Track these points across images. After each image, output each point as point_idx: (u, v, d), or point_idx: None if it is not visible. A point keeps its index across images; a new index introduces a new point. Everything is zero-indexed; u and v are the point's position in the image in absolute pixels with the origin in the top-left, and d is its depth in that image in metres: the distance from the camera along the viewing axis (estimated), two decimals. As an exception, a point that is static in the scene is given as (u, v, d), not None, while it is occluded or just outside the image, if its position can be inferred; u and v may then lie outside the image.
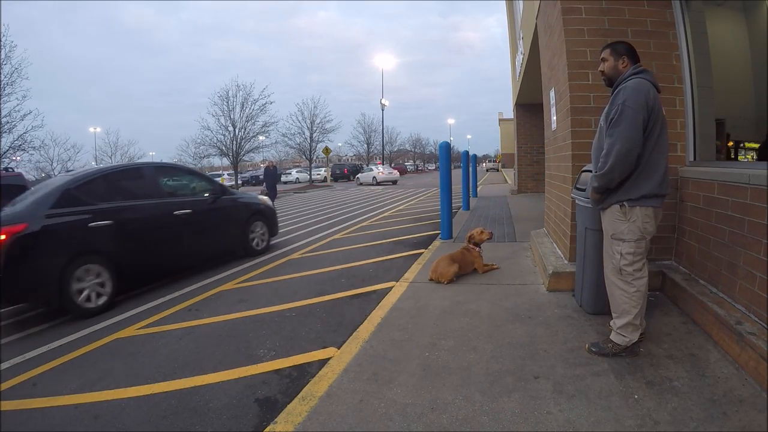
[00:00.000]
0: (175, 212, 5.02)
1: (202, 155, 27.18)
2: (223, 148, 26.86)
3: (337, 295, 4.03)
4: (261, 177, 24.51)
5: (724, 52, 3.26)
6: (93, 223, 4.20)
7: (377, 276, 4.59)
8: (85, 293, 4.01)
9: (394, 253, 5.69)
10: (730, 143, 3.39)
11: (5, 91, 13.80)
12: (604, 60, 2.34)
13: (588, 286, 2.86)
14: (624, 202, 2.20)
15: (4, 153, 14.42)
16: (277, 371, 2.61)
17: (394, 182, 27.12)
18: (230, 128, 26.96)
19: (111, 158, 46.22)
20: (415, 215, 9.82)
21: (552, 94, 4.19)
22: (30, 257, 3.77)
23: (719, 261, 2.50)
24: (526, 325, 2.80)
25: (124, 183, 4.88)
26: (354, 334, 2.91)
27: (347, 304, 3.78)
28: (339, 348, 2.75)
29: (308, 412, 2.00)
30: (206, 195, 5.66)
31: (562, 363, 2.27)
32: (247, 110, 27.05)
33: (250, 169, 49.50)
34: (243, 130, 27.15)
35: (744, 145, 3.34)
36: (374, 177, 27.27)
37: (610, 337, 2.34)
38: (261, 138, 28.71)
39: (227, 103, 26.83)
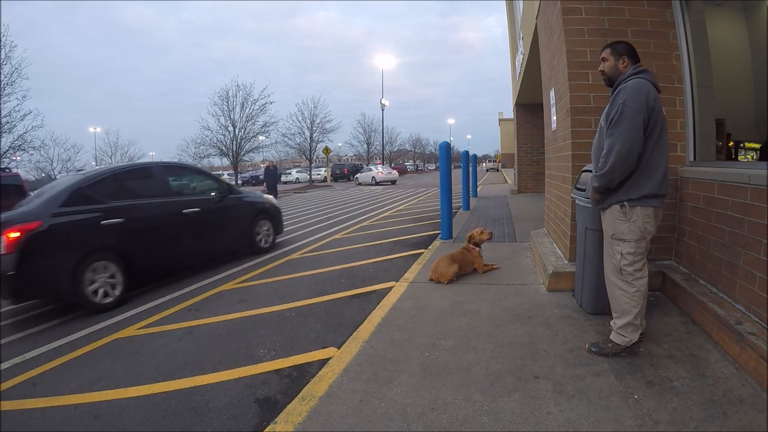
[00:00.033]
0: (184, 211, 5.12)
1: (202, 155, 27.20)
2: (223, 148, 26.87)
3: (337, 295, 4.03)
4: (261, 177, 24.52)
5: (724, 52, 3.26)
6: (105, 221, 4.30)
7: (377, 276, 4.59)
8: (97, 289, 4.11)
9: (394, 253, 5.69)
10: (731, 143, 3.39)
11: (5, 91, 13.81)
12: (604, 60, 2.34)
13: (588, 286, 2.86)
14: (624, 202, 2.20)
15: (4, 153, 14.42)
16: (277, 371, 2.61)
17: (393, 182, 27.09)
18: (230, 128, 26.98)
19: (111, 158, 46.25)
20: (415, 215, 9.82)
21: (552, 94, 4.19)
22: (44, 254, 3.88)
23: (719, 261, 2.50)
24: (526, 325, 2.80)
25: (134, 182, 4.96)
26: (354, 334, 2.91)
27: (347, 304, 3.78)
28: (339, 348, 2.75)
29: (308, 412, 2.00)
30: (213, 194, 5.74)
31: (562, 363, 2.27)
32: (247, 110, 27.08)
33: (250, 169, 49.51)
34: (243, 130, 27.17)
35: (744, 145, 3.34)
36: (373, 177, 27.23)
37: (610, 337, 2.34)
38: (261, 138, 28.73)
39: (227, 103, 26.86)
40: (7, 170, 8.83)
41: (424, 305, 3.33)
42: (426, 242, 6.20)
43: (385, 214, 10.65)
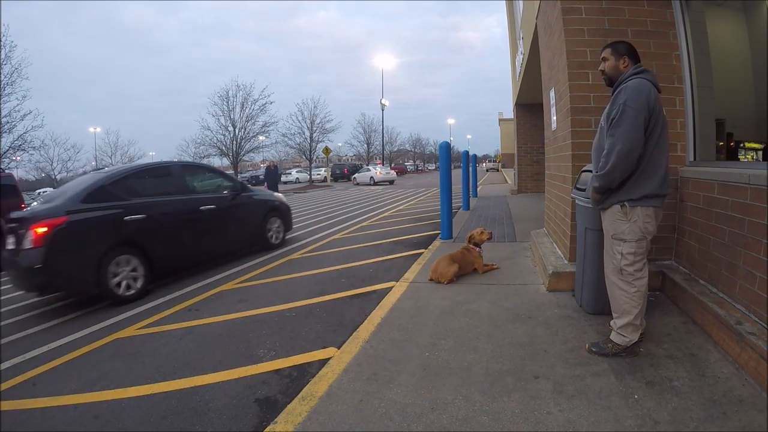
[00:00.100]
0: (200, 208, 5.35)
1: (202, 155, 27.19)
2: (223, 148, 26.90)
3: (337, 295, 4.03)
4: (261, 177, 24.53)
5: (724, 52, 3.26)
6: (128, 217, 4.49)
7: (377, 276, 4.59)
8: (120, 282, 4.31)
9: (394, 253, 5.69)
10: (731, 143, 3.39)
11: (5, 91, 13.81)
12: (604, 59, 2.34)
13: (588, 286, 2.86)
14: (625, 202, 2.20)
15: (4, 153, 14.41)
16: (277, 371, 2.61)
17: (391, 182, 27.03)
18: (230, 128, 27.02)
19: (111, 158, 46.24)
20: (415, 215, 9.82)
21: (552, 94, 4.19)
22: (70, 248, 4.06)
23: (719, 261, 2.50)
24: (526, 325, 2.80)
25: (154, 180, 5.18)
26: (354, 334, 2.91)
27: (347, 304, 3.78)
28: (339, 348, 2.75)
29: (308, 412, 2.00)
30: (227, 192, 5.95)
31: (562, 363, 2.27)
32: (247, 110, 27.13)
33: (250, 169, 49.53)
34: (243, 130, 27.21)
35: (744, 145, 3.34)
36: (372, 177, 27.18)
37: (610, 337, 2.34)
38: (261, 138, 28.76)
39: (227, 103, 26.90)
40: (1, 170, 8.86)
41: (424, 305, 3.33)
42: (426, 242, 6.20)
43: (385, 214, 10.65)
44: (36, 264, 3.88)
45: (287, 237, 7.19)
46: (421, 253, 5.29)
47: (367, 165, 33.96)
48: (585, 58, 3.31)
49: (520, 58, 9.20)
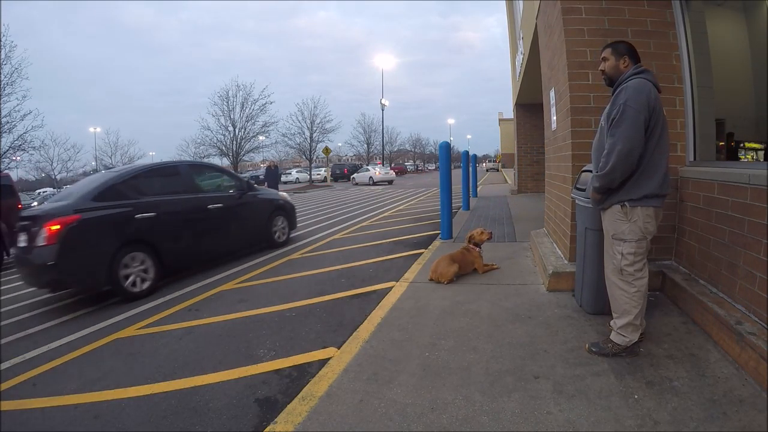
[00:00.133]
0: (208, 206, 5.46)
1: (202, 155, 27.21)
2: (223, 148, 26.92)
3: (337, 295, 4.03)
4: (261, 177, 24.55)
5: (724, 52, 3.26)
6: (139, 215, 4.59)
7: (377, 276, 4.59)
8: (131, 278, 4.41)
9: (394, 253, 5.69)
10: (732, 143, 3.39)
11: (5, 91, 13.80)
12: (605, 59, 2.34)
13: (588, 286, 2.86)
14: (625, 203, 2.20)
15: (4, 153, 14.41)
16: (277, 371, 2.61)
17: (390, 182, 27.04)
18: (230, 128, 27.04)
19: (111, 158, 46.22)
20: (415, 215, 9.82)
21: (552, 94, 4.19)
22: (83, 245, 4.15)
23: (719, 261, 2.50)
24: (526, 325, 2.80)
25: (164, 179, 5.28)
26: (354, 334, 2.91)
27: (347, 304, 3.78)
28: (339, 348, 2.75)
29: (308, 412, 2.00)
30: (234, 191, 6.05)
31: (562, 363, 2.27)
32: (247, 110, 27.15)
33: (250, 169, 49.53)
34: (243, 130, 27.23)
35: (744, 145, 3.34)
36: (371, 177, 27.18)
37: (610, 337, 2.34)
38: (261, 138, 28.77)
39: (227, 103, 26.92)
40: None
41: (424, 305, 3.33)
42: (426, 242, 6.20)
43: (385, 214, 10.65)
44: (49, 261, 3.97)
45: (291, 236, 7.27)
46: (421, 253, 5.29)
47: (367, 165, 33.96)
48: (585, 58, 3.31)
49: (520, 58, 9.20)
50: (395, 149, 56.69)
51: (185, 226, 5.11)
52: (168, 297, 4.40)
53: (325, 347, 2.87)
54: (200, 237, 5.29)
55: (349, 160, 60.48)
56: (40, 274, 4.12)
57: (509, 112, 22.88)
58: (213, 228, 5.46)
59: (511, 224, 6.96)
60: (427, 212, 10.17)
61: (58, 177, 41.12)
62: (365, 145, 48.87)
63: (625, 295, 2.25)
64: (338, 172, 36.36)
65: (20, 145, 14.99)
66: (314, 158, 35.15)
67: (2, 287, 5.52)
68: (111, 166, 43.42)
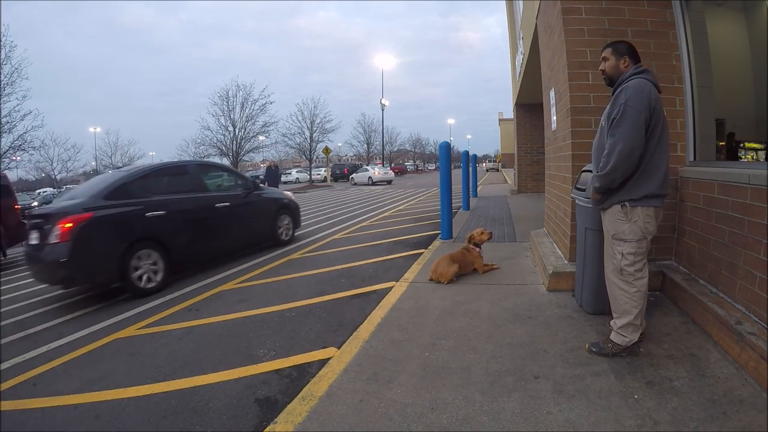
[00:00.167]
0: (216, 205, 5.58)
1: (202, 155, 27.22)
2: (223, 148, 26.91)
3: (337, 295, 4.02)
4: (261, 177, 24.56)
5: (724, 52, 3.26)
6: (149, 213, 4.69)
7: (377, 276, 4.59)
8: (141, 275, 4.50)
9: (394, 253, 5.69)
10: (732, 143, 3.39)
11: (5, 91, 13.80)
12: (605, 59, 2.34)
13: (588, 286, 2.86)
14: (625, 202, 2.19)
15: (4, 153, 14.40)
16: (277, 371, 2.61)
17: (389, 182, 27.03)
18: (230, 128, 27.04)
19: (111, 158, 46.22)
20: (415, 215, 9.82)
21: (552, 94, 4.19)
22: (95, 242, 4.25)
23: (719, 261, 2.50)
24: (526, 325, 2.80)
25: (173, 178, 5.40)
26: (354, 334, 2.91)
27: (347, 304, 3.78)
28: (339, 348, 2.75)
29: (308, 412, 2.00)
30: (240, 190, 6.16)
31: (562, 363, 2.27)
32: (247, 110, 27.15)
33: (250, 169, 49.54)
34: (243, 130, 27.22)
35: (744, 145, 3.34)
36: (370, 177, 27.16)
37: (610, 337, 2.34)
38: (261, 138, 28.77)
39: (227, 103, 26.92)
40: None
41: (424, 305, 3.33)
42: (426, 242, 6.20)
43: (385, 214, 10.65)
44: (62, 258, 4.05)
45: (296, 234, 7.37)
46: (421, 253, 5.29)
47: (367, 165, 33.96)
48: (585, 58, 3.31)
49: (520, 58, 9.20)
50: (395, 149, 56.71)
51: (194, 224, 5.23)
52: (168, 297, 4.40)
53: (325, 347, 2.87)
54: (208, 235, 5.40)
55: (349, 160, 60.48)
56: (53, 271, 4.20)
57: (509, 112, 22.89)
58: (220, 226, 5.56)
59: (511, 224, 6.96)
60: (427, 212, 10.17)
61: (58, 177, 41.13)
62: (365, 145, 48.89)
63: (625, 295, 2.25)
64: (338, 172, 36.36)
65: (20, 145, 14.99)
66: (314, 158, 35.16)
67: (2, 287, 5.52)
68: (119, 165, 43.61)
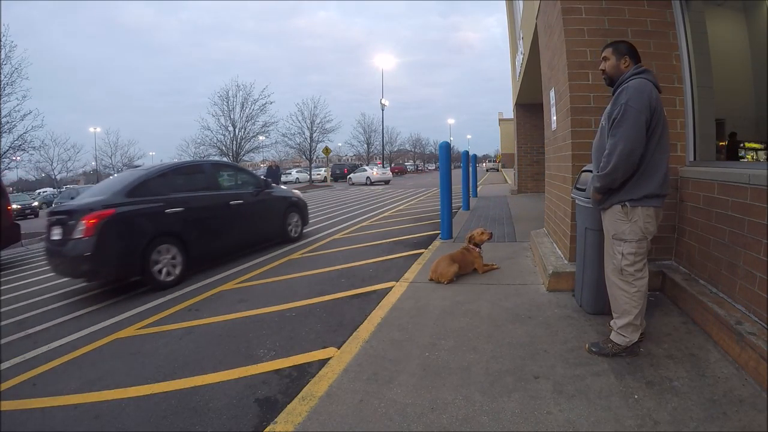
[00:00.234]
0: (230, 202, 5.81)
1: (202, 155, 27.23)
2: (223, 148, 26.93)
3: (337, 295, 4.02)
4: (263, 177, 24.60)
5: (724, 52, 3.26)
6: (168, 210, 4.91)
7: (377, 276, 4.59)
8: (161, 269, 4.71)
9: (394, 253, 5.69)
10: (733, 143, 3.39)
11: (5, 91, 13.77)
12: (605, 59, 2.34)
13: (588, 286, 2.86)
14: (626, 202, 2.19)
15: (4, 153, 14.40)
16: (277, 371, 2.61)
17: (387, 182, 27.03)
18: (230, 128, 27.06)
19: (111, 158, 46.22)
20: (415, 215, 9.82)
21: (552, 94, 4.19)
22: (118, 237, 4.45)
23: (719, 261, 2.50)
24: (526, 325, 2.80)
25: (189, 176, 5.65)
26: (354, 334, 2.91)
27: (347, 304, 3.78)
28: (339, 348, 2.75)
29: (308, 412, 2.00)
30: (252, 189, 6.39)
31: (562, 363, 2.27)
32: (247, 110, 27.17)
33: (250, 169, 49.54)
34: (243, 130, 27.23)
35: (744, 145, 3.34)
36: (368, 177, 27.12)
37: (610, 337, 2.34)
38: (261, 138, 28.78)
39: (227, 103, 26.95)
40: None
41: (424, 305, 3.33)
42: (426, 242, 6.20)
43: (385, 214, 10.65)
44: (86, 252, 4.24)
45: (304, 231, 7.60)
46: (421, 253, 5.29)
47: (367, 165, 33.94)
48: (585, 58, 3.31)
49: (520, 58, 9.20)
50: (395, 149, 56.69)
51: (210, 221, 5.43)
52: (168, 297, 4.40)
53: (325, 347, 2.87)
54: (223, 231, 5.61)
55: (349, 160, 60.49)
56: (77, 265, 4.37)
57: (509, 112, 22.89)
58: (234, 222, 5.78)
59: (511, 224, 6.96)
60: (427, 212, 10.17)
61: (58, 177, 41.16)
62: (365, 145, 48.88)
63: (626, 295, 2.25)
64: (338, 172, 36.35)
65: (20, 145, 14.95)
66: (314, 158, 35.16)
67: (1, 287, 5.52)
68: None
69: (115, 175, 7.07)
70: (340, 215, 10.88)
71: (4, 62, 13.51)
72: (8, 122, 13.89)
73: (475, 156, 13.51)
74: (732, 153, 3.35)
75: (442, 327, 2.88)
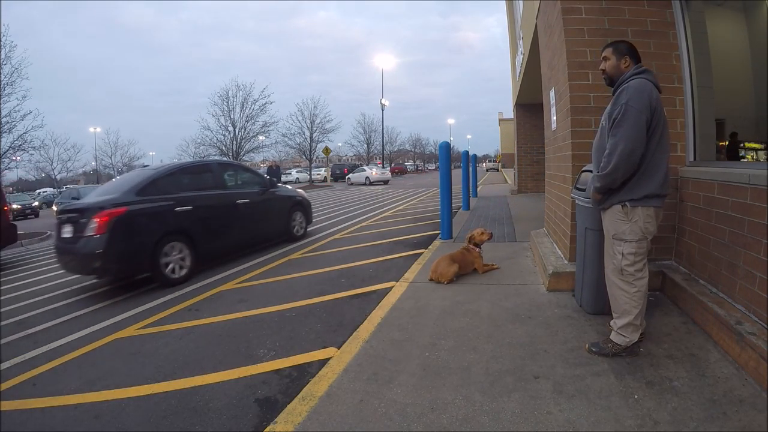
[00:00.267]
0: (237, 201, 5.92)
1: (202, 155, 27.24)
2: (223, 148, 26.90)
3: (337, 295, 4.02)
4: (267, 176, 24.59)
5: (724, 52, 3.26)
6: (178, 208, 5.01)
7: (377, 276, 4.59)
8: (170, 266, 4.83)
9: (394, 253, 5.69)
10: (734, 143, 3.39)
11: (5, 91, 13.76)
12: (605, 59, 2.34)
13: (588, 286, 2.86)
14: (626, 202, 2.19)
15: (4, 153, 14.39)
16: (277, 371, 2.61)
17: (386, 182, 27.04)
18: (230, 128, 27.04)
19: (111, 158, 46.22)
20: (415, 215, 9.82)
21: (552, 94, 4.19)
22: (129, 235, 4.54)
23: (719, 261, 2.50)
24: (526, 325, 2.80)
25: (197, 176, 5.75)
26: (354, 334, 2.91)
27: (347, 304, 3.78)
28: (339, 348, 2.75)
29: (308, 412, 2.00)
30: (257, 188, 6.48)
31: (562, 363, 2.27)
32: (247, 110, 27.15)
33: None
34: (243, 130, 27.21)
35: (744, 145, 3.34)
36: (367, 177, 27.12)
37: (610, 337, 2.34)
38: (261, 138, 28.77)
39: (227, 103, 26.93)
40: None
41: (424, 305, 3.33)
42: (426, 242, 6.20)
43: (385, 214, 10.65)
44: (97, 249, 4.33)
45: (309, 229, 7.75)
46: (421, 253, 5.29)
47: (367, 165, 33.93)
48: (585, 58, 3.31)
49: (520, 58, 9.20)
50: (395, 149, 56.68)
51: (218, 219, 5.54)
52: (168, 297, 4.40)
53: (325, 347, 2.87)
54: (230, 229, 5.71)
55: (349, 160, 60.50)
56: (88, 262, 4.45)
57: (509, 112, 22.89)
58: (241, 221, 5.90)
59: (511, 224, 6.96)
60: (427, 212, 10.17)
61: (58, 177, 41.16)
62: (365, 145, 48.87)
63: (626, 295, 2.25)
64: (338, 172, 36.34)
65: (20, 145, 14.94)
66: (314, 158, 35.15)
67: (1, 287, 5.52)
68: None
69: (123, 174, 7.25)
70: (340, 215, 10.88)
71: (4, 62, 13.50)
72: (8, 122, 13.88)
73: (475, 156, 13.50)
74: (732, 153, 3.35)
75: (442, 327, 2.88)
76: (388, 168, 35.84)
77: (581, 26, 3.32)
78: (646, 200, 2.17)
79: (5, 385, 2.70)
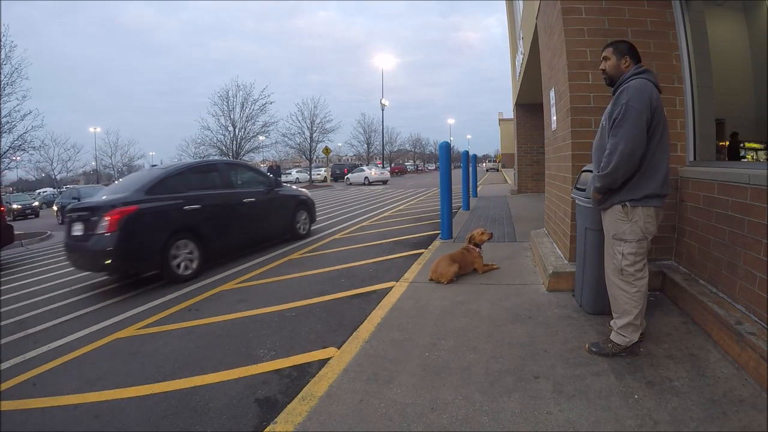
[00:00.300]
0: (243, 200, 6.04)
1: (202, 155, 27.24)
2: (223, 148, 26.89)
3: (337, 295, 4.02)
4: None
5: (724, 52, 3.26)
6: (187, 207, 5.12)
7: (377, 276, 4.59)
8: (179, 263, 4.93)
9: (394, 253, 5.68)
10: (734, 143, 3.39)
11: (5, 91, 13.75)
12: (605, 59, 2.34)
13: (588, 286, 2.86)
14: (626, 202, 2.19)
15: (4, 153, 14.39)
16: (277, 371, 2.61)
17: (385, 182, 27.06)
18: (230, 128, 27.02)
19: (111, 158, 46.23)
20: (415, 215, 9.82)
21: (552, 94, 4.19)
22: (140, 233, 4.63)
23: (719, 261, 2.50)
24: (526, 325, 2.80)
25: (205, 175, 5.87)
26: (354, 334, 2.91)
27: (347, 304, 3.78)
28: (339, 348, 2.75)
29: (308, 412, 2.00)
30: (263, 187, 6.61)
31: (562, 363, 2.27)
32: (247, 110, 27.12)
33: (251, 169, 49.52)
34: (243, 130, 27.19)
35: (744, 145, 3.34)
36: (366, 177, 27.13)
37: (610, 337, 2.34)
38: (261, 138, 28.75)
39: (227, 103, 26.91)
40: None
41: (424, 305, 3.33)
42: (426, 242, 6.20)
43: (385, 214, 10.65)
44: (108, 247, 4.43)
45: (312, 228, 7.81)
46: (421, 253, 5.29)
47: (367, 165, 33.93)
48: (585, 58, 3.31)
49: (520, 58, 9.20)
50: (395, 149, 56.67)
51: (225, 217, 5.64)
52: (168, 297, 4.40)
53: (325, 347, 2.87)
54: (237, 227, 5.82)
55: (349, 160, 60.52)
56: (99, 259, 4.52)
57: (509, 112, 22.89)
58: (247, 219, 6.02)
59: (511, 224, 6.96)
60: (427, 212, 10.17)
61: (58, 177, 41.18)
62: (365, 145, 48.86)
63: (626, 295, 2.25)
64: (338, 172, 36.32)
65: (20, 145, 14.94)
66: (314, 158, 35.14)
67: (1, 287, 5.52)
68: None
69: (133, 173, 7.47)
70: (340, 215, 10.87)
71: (4, 62, 13.50)
72: (8, 122, 13.88)
73: (475, 156, 13.50)
74: (732, 153, 3.35)
75: (442, 327, 2.88)
76: (388, 168, 35.84)
77: (581, 26, 3.32)
78: (647, 200, 2.17)
79: (5, 385, 2.70)
